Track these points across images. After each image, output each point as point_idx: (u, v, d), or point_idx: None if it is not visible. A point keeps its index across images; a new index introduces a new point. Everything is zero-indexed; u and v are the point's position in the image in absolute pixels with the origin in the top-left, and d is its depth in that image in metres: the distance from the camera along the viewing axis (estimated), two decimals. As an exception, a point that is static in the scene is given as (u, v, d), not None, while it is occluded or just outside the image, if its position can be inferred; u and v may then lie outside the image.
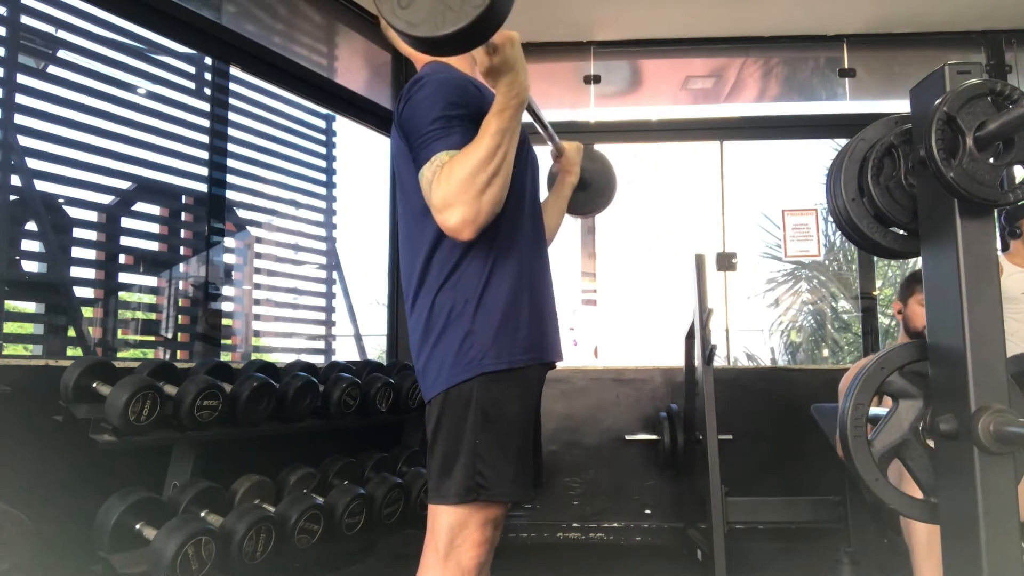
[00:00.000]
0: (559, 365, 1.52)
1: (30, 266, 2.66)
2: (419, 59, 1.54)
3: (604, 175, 2.09)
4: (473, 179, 1.23)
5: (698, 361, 3.06)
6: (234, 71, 3.20)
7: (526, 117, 1.40)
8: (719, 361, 3.88)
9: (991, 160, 1.36)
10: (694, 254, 3.10)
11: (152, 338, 3.09)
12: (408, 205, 1.43)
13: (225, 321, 3.29)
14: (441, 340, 1.36)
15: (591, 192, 2.06)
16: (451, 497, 1.32)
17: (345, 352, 4.12)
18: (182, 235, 3.19)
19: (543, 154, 1.75)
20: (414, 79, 1.39)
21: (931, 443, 1.56)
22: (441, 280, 1.37)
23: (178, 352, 3.05)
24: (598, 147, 2.21)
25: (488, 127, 1.26)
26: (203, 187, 3.05)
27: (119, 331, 2.98)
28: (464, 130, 1.30)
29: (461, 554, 1.33)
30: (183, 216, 3.16)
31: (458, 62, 1.50)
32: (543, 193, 1.69)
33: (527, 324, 1.39)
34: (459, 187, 1.23)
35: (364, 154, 4.53)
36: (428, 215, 1.32)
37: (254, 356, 3.32)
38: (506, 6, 1.06)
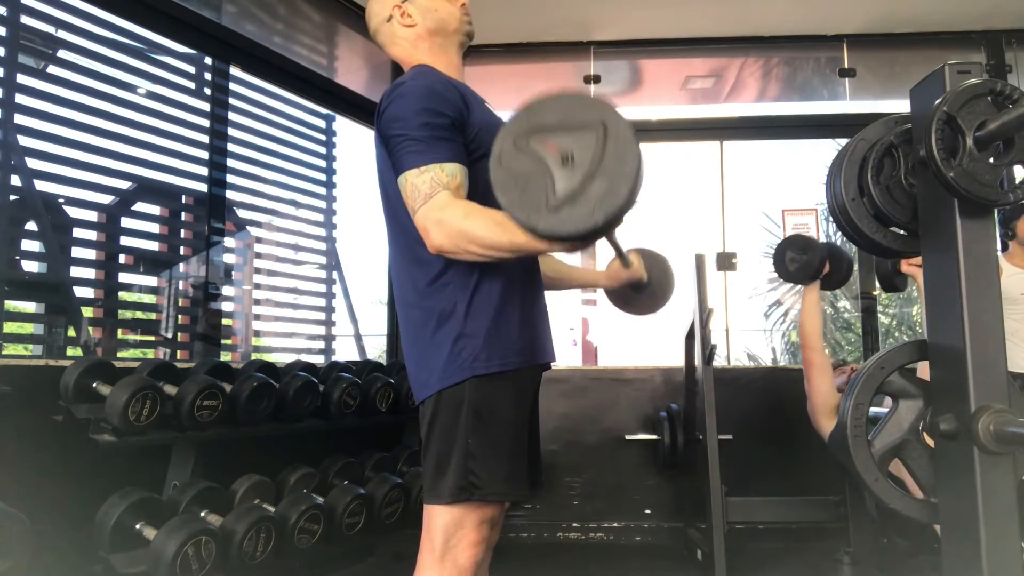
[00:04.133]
0: (559, 365, 1.52)
1: (30, 266, 2.66)
2: (406, 62, 1.52)
3: (662, 282, 1.93)
4: (468, 241, 1.25)
5: (698, 361, 3.06)
6: (234, 71, 3.20)
7: None
8: (719, 361, 3.88)
9: (991, 160, 1.36)
10: (694, 254, 3.10)
11: (152, 338, 3.09)
12: (393, 209, 1.42)
13: (225, 321, 3.29)
14: (432, 342, 1.36)
15: (645, 295, 1.93)
16: (445, 496, 1.32)
17: (345, 352, 4.12)
18: (182, 235, 3.19)
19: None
20: (395, 83, 1.38)
21: (931, 443, 1.56)
22: (430, 282, 1.36)
23: (178, 352, 3.05)
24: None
25: (518, 238, 1.20)
26: (203, 187, 3.05)
27: (119, 331, 2.98)
28: (449, 138, 1.30)
29: (457, 554, 1.33)
30: (183, 216, 3.16)
31: (444, 66, 1.48)
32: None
33: (518, 326, 1.39)
34: (454, 234, 1.25)
35: (364, 154, 4.53)
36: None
37: (254, 356, 3.32)
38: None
